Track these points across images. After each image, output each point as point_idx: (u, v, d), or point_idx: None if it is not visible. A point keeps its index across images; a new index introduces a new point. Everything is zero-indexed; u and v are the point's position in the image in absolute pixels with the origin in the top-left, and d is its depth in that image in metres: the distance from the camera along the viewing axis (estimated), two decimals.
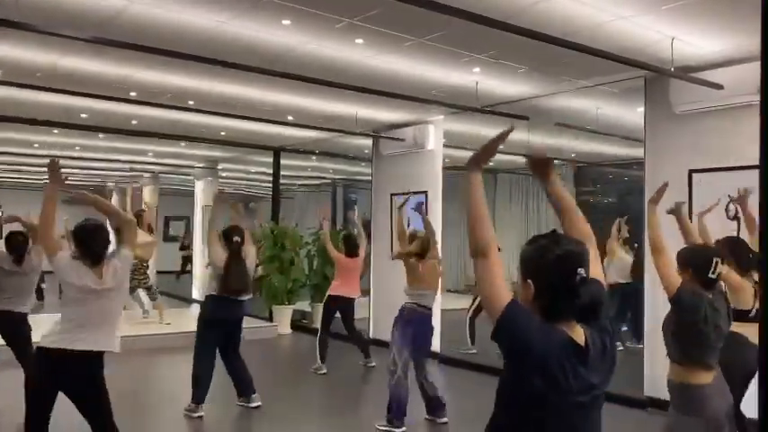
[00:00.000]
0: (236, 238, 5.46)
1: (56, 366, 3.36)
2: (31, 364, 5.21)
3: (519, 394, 1.66)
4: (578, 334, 1.68)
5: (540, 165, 1.91)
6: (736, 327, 3.39)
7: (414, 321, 5.16)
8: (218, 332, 5.52)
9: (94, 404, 3.47)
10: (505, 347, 1.65)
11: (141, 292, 9.68)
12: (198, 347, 5.51)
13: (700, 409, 2.93)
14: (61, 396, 3.42)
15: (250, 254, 5.58)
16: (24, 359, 5.26)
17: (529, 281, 1.69)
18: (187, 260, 15.04)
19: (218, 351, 5.56)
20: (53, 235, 3.47)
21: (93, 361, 3.42)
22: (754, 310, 3.60)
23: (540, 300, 1.67)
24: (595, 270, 1.77)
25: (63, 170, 3.49)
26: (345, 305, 7.36)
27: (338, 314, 7.40)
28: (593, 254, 1.78)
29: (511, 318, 1.61)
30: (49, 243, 3.45)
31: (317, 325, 7.76)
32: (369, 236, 9.40)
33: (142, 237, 9.16)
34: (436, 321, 6.17)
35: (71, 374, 3.38)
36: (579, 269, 1.64)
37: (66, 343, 3.35)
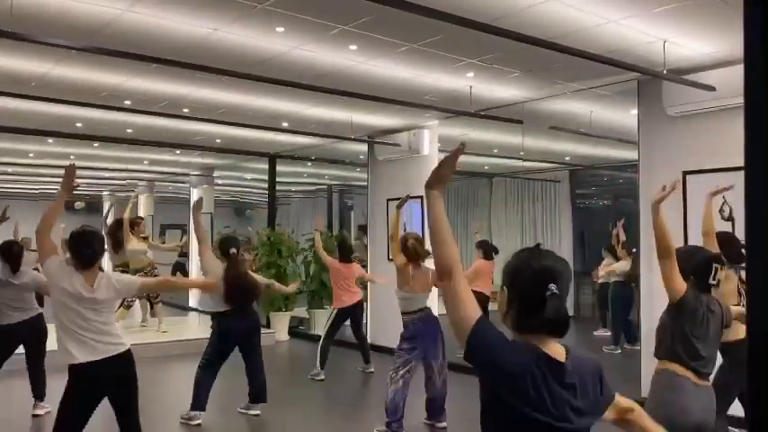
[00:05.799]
0: (233, 250, 5.41)
1: (85, 378, 3.43)
2: (43, 369, 5.31)
3: (497, 412, 1.65)
4: (555, 351, 1.67)
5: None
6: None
7: (419, 335, 5.14)
8: (230, 346, 5.53)
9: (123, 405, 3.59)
10: (478, 366, 1.64)
11: (139, 300, 9.66)
12: (206, 356, 5.50)
13: (676, 399, 2.89)
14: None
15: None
16: (36, 360, 5.35)
17: (505, 288, 1.75)
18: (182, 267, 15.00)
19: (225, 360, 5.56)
20: (49, 238, 3.46)
21: (109, 365, 3.49)
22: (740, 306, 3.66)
23: (512, 309, 1.71)
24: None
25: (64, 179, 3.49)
26: (354, 312, 7.38)
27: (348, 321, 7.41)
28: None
29: (480, 336, 1.61)
30: (45, 245, 3.44)
31: (315, 331, 7.75)
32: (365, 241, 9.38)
33: (133, 245, 9.16)
34: None
35: (100, 382, 3.47)
36: (551, 284, 1.66)
37: (76, 357, 3.39)
